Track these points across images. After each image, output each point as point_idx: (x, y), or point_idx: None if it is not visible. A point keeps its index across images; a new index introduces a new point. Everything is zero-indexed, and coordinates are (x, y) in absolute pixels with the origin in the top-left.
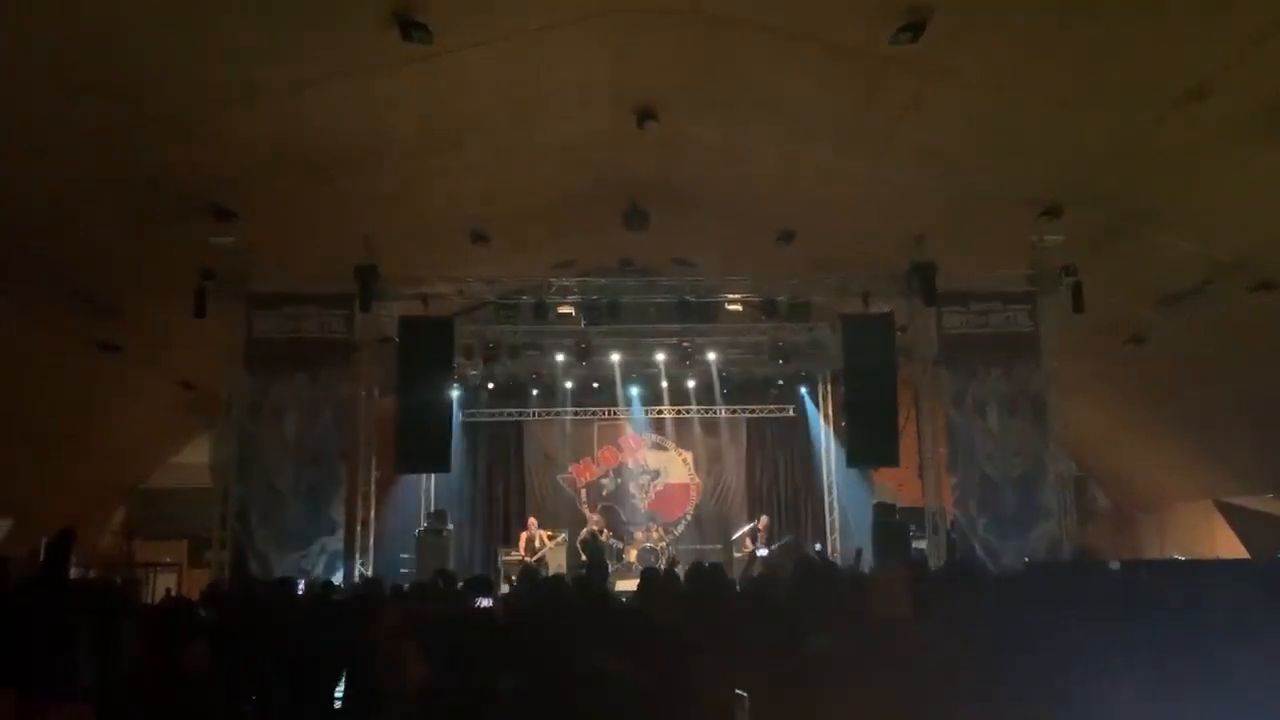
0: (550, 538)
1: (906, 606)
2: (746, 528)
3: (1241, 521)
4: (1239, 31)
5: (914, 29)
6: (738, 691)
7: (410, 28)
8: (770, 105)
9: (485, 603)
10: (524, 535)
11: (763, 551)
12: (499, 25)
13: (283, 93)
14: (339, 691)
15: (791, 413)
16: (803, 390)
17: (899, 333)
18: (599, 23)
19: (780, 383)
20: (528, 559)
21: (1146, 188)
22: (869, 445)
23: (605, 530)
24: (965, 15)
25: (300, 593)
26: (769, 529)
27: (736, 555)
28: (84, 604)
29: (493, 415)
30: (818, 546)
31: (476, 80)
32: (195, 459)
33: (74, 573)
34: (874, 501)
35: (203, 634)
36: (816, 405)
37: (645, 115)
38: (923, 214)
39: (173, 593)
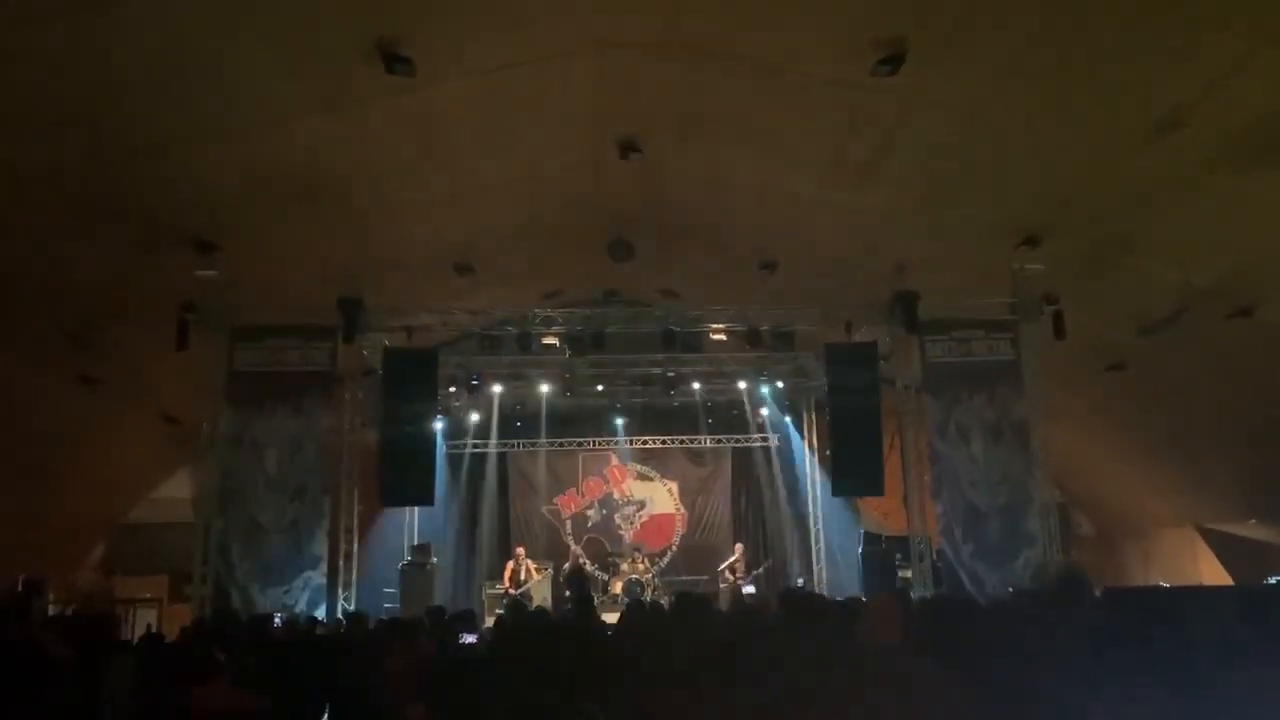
0: (537, 569)
1: (897, 635)
2: (730, 560)
3: (1224, 547)
4: (1214, 61)
5: (893, 61)
6: None
7: (393, 61)
8: (752, 135)
9: (470, 639)
10: (510, 565)
11: (749, 589)
12: (482, 58)
13: (266, 125)
14: None
15: (776, 442)
16: (787, 419)
17: (882, 361)
18: (581, 55)
19: (764, 412)
20: (512, 591)
21: (1125, 216)
22: (854, 474)
23: (590, 562)
24: (943, 46)
25: (280, 628)
26: (745, 556)
27: (722, 586)
28: (64, 639)
29: (477, 447)
30: (800, 581)
31: (460, 112)
32: (176, 493)
33: (51, 609)
34: (860, 531)
35: (211, 673)
36: (801, 434)
37: (628, 147)
38: (904, 243)
39: (153, 629)
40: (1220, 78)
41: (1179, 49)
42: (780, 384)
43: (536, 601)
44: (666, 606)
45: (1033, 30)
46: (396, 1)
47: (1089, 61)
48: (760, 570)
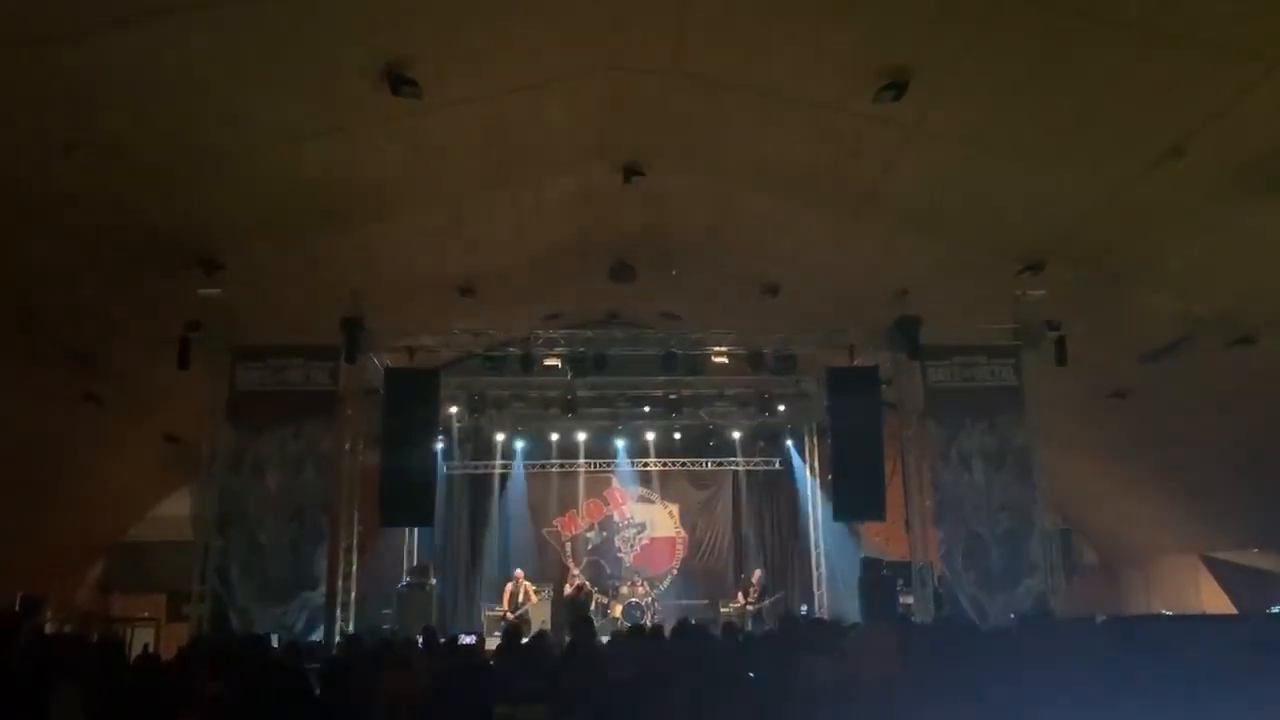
0: (536, 592)
1: (895, 665)
2: (751, 584)
3: (1227, 575)
4: (1217, 91)
5: (896, 88)
6: None
7: (400, 83)
8: (755, 160)
9: (468, 640)
10: (509, 587)
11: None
12: (488, 81)
13: (271, 146)
14: None
15: (778, 465)
16: (789, 443)
17: (884, 386)
18: (586, 80)
19: (766, 435)
20: (510, 614)
21: (1127, 244)
22: (855, 499)
23: (590, 585)
24: (946, 73)
25: (278, 648)
26: (761, 583)
27: (725, 609)
28: (63, 660)
29: (477, 468)
30: (804, 609)
31: (465, 135)
32: (175, 512)
33: (49, 628)
34: (861, 556)
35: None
36: (802, 458)
37: (632, 171)
38: (907, 268)
39: (150, 648)
40: (1224, 108)
41: (1183, 79)
42: (782, 408)
43: (535, 625)
44: (667, 630)
45: (1036, 58)
46: (403, 25)
47: (1092, 90)
48: (769, 602)
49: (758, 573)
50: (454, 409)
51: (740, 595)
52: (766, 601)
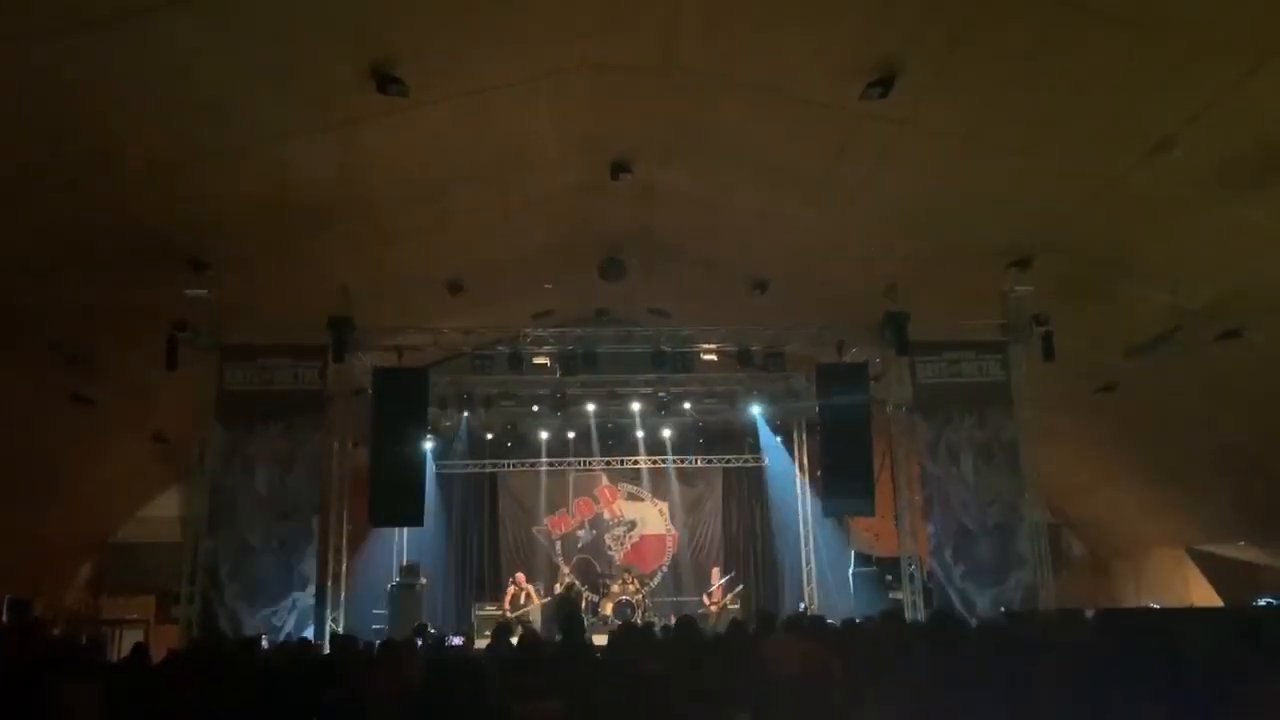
0: (537, 594)
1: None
2: (715, 584)
3: (1214, 568)
4: (1206, 85)
5: (883, 84)
6: None
7: (387, 81)
8: (743, 157)
9: (456, 641)
10: (510, 589)
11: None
12: (474, 79)
13: (259, 145)
14: None
15: (767, 462)
16: (778, 439)
17: (873, 382)
18: (574, 77)
19: (755, 432)
20: (509, 614)
21: (1114, 238)
22: (844, 494)
23: (579, 583)
24: (934, 69)
25: (268, 649)
26: (721, 580)
27: (699, 611)
28: (49, 662)
29: (467, 467)
30: (801, 605)
31: (452, 133)
32: (165, 512)
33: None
34: (851, 552)
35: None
36: (792, 454)
37: (619, 168)
38: (895, 264)
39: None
40: (1211, 102)
41: (1171, 73)
42: (771, 404)
43: (537, 626)
44: (658, 628)
45: (1025, 53)
46: (390, 23)
47: (1081, 84)
48: (736, 591)
49: (715, 570)
50: (443, 408)
51: (706, 598)
52: (730, 596)
